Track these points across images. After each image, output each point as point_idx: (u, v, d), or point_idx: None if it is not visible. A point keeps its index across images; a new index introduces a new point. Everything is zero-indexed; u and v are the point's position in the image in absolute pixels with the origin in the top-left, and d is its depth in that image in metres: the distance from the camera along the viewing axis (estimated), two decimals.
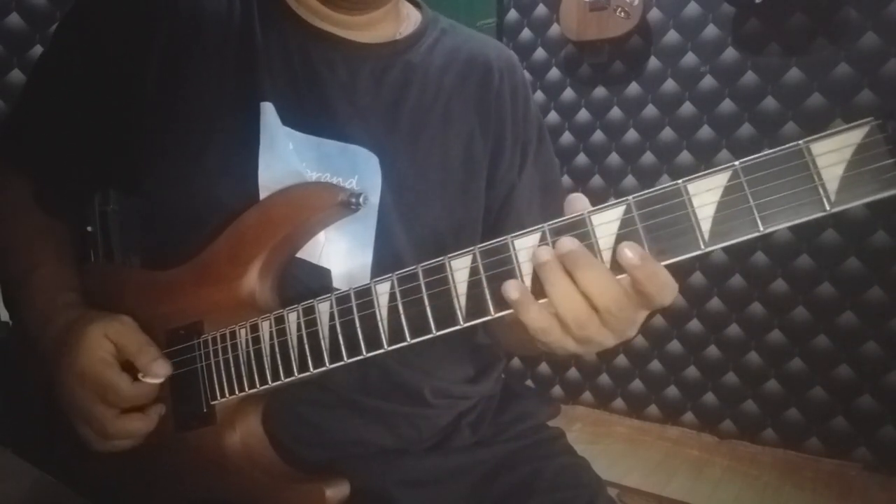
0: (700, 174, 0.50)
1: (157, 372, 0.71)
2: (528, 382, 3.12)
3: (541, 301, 0.55)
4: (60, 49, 0.83)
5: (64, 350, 0.71)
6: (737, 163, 0.49)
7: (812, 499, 2.24)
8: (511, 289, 0.55)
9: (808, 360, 2.47)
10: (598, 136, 2.87)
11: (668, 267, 0.53)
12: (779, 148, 0.48)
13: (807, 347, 2.47)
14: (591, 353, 0.61)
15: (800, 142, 0.47)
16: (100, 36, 0.79)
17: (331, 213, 0.71)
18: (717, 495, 2.28)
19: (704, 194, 0.50)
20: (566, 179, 2.95)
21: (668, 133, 2.69)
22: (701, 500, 2.23)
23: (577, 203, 0.56)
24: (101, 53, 0.78)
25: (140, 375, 0.71)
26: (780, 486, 2.32)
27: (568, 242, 0.53)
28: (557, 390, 3.09)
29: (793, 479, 2.35)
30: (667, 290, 0.54)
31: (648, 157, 2.75)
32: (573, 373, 3.03)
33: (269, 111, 0.75)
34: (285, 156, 0.75)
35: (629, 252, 0.52)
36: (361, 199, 0.70)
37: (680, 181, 0.51)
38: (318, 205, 0.70)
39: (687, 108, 2.64)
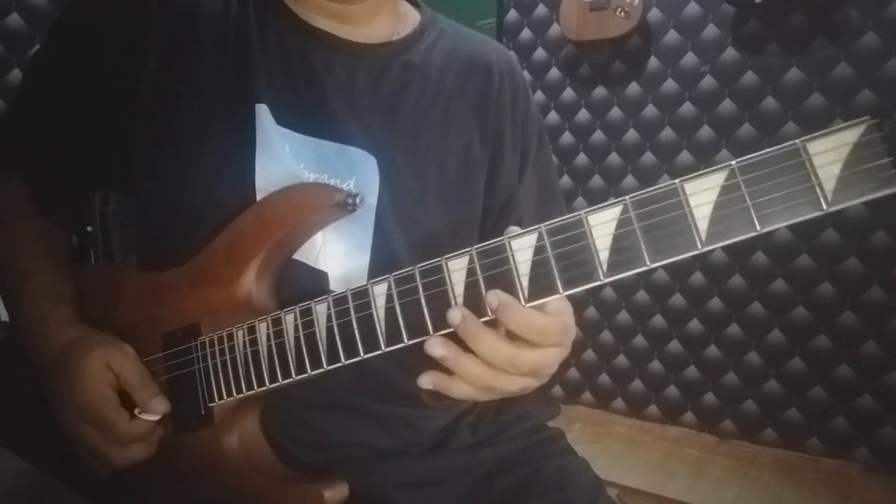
0: (697, 174, 0.50)
1: (157, 409, 0.71)
2: None
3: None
4: (55, 49, 0.82)
5: (66, 374, 0.70)
6: (733, 162, 0.49)
7: (812, 499, 2.24)
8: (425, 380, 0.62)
9: (808, 360, 2.47)
10: (598, 136, 2.88)
11: (667, 265, 0.53)
12: (775, 147, 0.47)
13: (807, 347, 2.47)
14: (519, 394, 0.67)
15: (796, 141, 0.47)
16: (95, 36, 0.78)
17: (328, 213, 0.71)
18: (717, 495, 2.28)
19: (701, 194, 0.50)
20: (566, 179, 2.95)
21: (668, 133, 2.70)
22: (701, 500, 2.24)
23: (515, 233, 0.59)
24: (96, 53, 0.78)
25: (137, 411, 0.71)
26: (780, 486, 2.32)
27: (455, 315, 0.57)
28: (557, 390, 3.09)
29: (793, 479, 2.35)
30: (538, 334, 0.58)
31: (648, 157, 2.76)
32: (573, 373, 3.03)
33: (264, 113, 0.75)
34: (282, 157, 0.74)
35: (491, 299, 0.56)
36: (358, 200, 0.70)
37: (677, 181, 0.50)
38: (314, 205, 0.70)
39: (687, 108, 2.64)
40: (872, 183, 0.45)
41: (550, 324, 0.58)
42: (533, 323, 0.57)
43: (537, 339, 0.58)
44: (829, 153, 0.46)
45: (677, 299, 2.73)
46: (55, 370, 0.72)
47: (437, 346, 0.58)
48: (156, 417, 0.71)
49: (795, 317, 2.48)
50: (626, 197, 0.52)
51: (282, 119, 0.75)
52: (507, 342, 0.58)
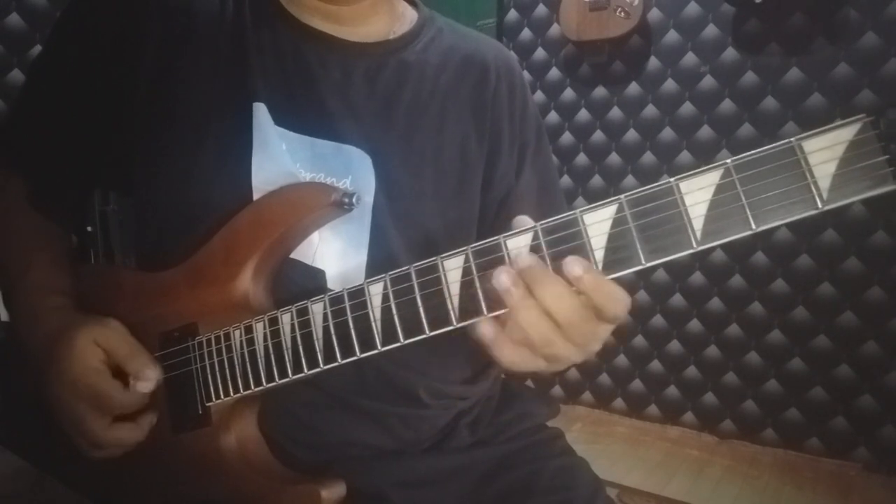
0: (692, 172, 0.50)
1: (149, 376, 0.70)
2: (528, 382, 3.12)
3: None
4: (53, 50, 0.83)
5: (54, 358, 0.70)
6: (729, 161, 0.48)
7: (812, 499, 2.24)
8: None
9: (808, 360, 2.47)
10: (598, 136, 2.87)
11: (665, 266, 0.53)
12: (771, 146, 0.47)
13: (807, 347, 2.47)
14: (557, 369, 0.64)
15: (792, 139, 0.47)
16: (91, 36, 0.78)
17: (324, 213, 0.71)
18: (717, 495, 2.28)
19: (696, 193, 0.50)
20: (566, 179, 2.95)
21: (668, 133, 2.69)
22: (701, 500, 2.23)
23: (525, 223, 0.57)
24: (92, 54, 0.78)
25: (131, 380, 0.71)
26: (780, 486, 2.32)
27: (527, 259, 0.54)
28: (557, 390, 3.09)
29: (793, 479, 2.35)
30: (615, 303, 0.55)
31: (648, 157, 2.75)
32: (573, 373, 3.03)
33: (261, 112, 0.75)
34: (278, 156, 0.74)
35: (574, 266, 0.53)
36: (354, 199, 0.69)
37: (672, 179, 0.50)
38: (311, 205, 0.70)
39: (687, 108, 2.64)
40: (868, 181, 0.45)
41: (620, 293, 0.55)
42: (615, 292, 0.55)
43: (604, 303, 0.55)
44: (824, 151, 0.46)
45: (677, 299, 2.73)
46: (46, 357, 0.72)
47: (503, 275, 0.54)
48: (150, 385, 0.71)
49: (795, 317, 2.48)
50: (622, 196, 0.52)
51: (278, 118, 0.75)
52: (575, 294, 0.55)
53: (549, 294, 0.54)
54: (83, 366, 0.69)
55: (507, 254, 0.56)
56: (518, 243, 0.56)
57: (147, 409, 0.73)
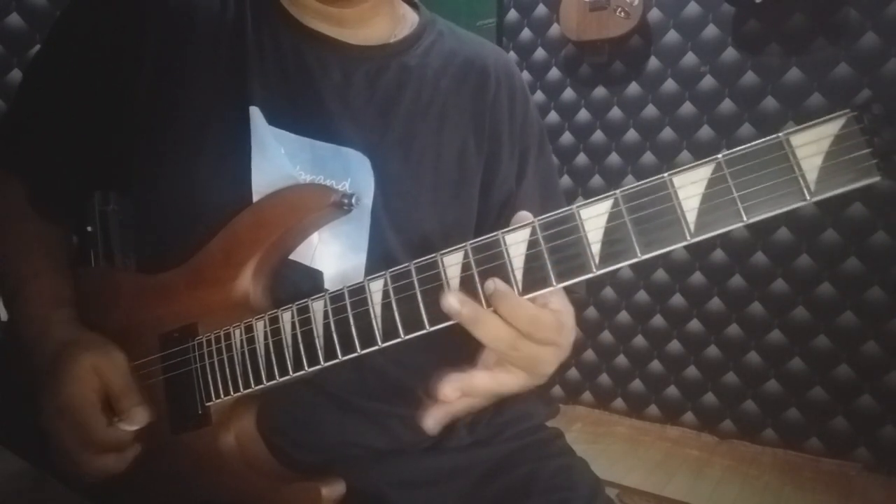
0: (685, 167, 0.51)
1: (135, 419, 0.70)
2: None
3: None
4: (52, 51, 0.83)
5: (52, 374, 0.71)
6: (720, 155, 0.50)
7: (812, 499, 2.24)
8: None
9: (808, 360, 2.47)
10: (598, 136, 2.88)
11: (663, 259, 0.54)
12: (760, 140, 0.49)
13: (807, 347, 2.47)
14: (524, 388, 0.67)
15: (780, 134, 0.48)
16: (91, 38, 0.79)
17: (323, 214, 0.71)
18: (717, 495, 2.28)
19: (689, 187, 0.51)
20: (566, 179, 2.96)
21: (668, 133, 2.70)
22: (701, 500, 2.24)
23: (525, 219, 0.59)
24: (92, 56, 0.78)
25: (116, 420, 0.70)
26: (780, 486, 2.32)
27: (452, 300, 0.57)
28: (557, 390, 3.09)
29: (793, 479, 2.35)
30: (536, 327, 0.58)
31: (648, 157, 2.76)
32: (573, 373, 3.03)
33: (258, 115, 0.75)
34: (276, 159, 0.75)
35: (489, 285, 0.57)
36: (353, 201, 0.70)
37: (665, 174, 0.51)
38: (310, 206, 0.70)
39: (687, 108, 2.65)
40: (853, 173, 0.46)
41: (542, 315, 0.58)
42: (525, 312, 0.57)
43: (528, 328, 0.58)
44: (810, 145, 0.47)
45: (677, 299, 2.73)
46: (50, 369, 0.72)
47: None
48: (133, 427, 0.71)
49: (795, 317, 2.48)
50: (617, 191, 0.53)
51: (275, 120, 0.76)
52: (507, 325, 0.58)
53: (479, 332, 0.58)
54: (73, 391, 0.69)
55: (506, 249, 0.57)
56: (516, 238, 0.57)
57: (131, 442, 0.72)
